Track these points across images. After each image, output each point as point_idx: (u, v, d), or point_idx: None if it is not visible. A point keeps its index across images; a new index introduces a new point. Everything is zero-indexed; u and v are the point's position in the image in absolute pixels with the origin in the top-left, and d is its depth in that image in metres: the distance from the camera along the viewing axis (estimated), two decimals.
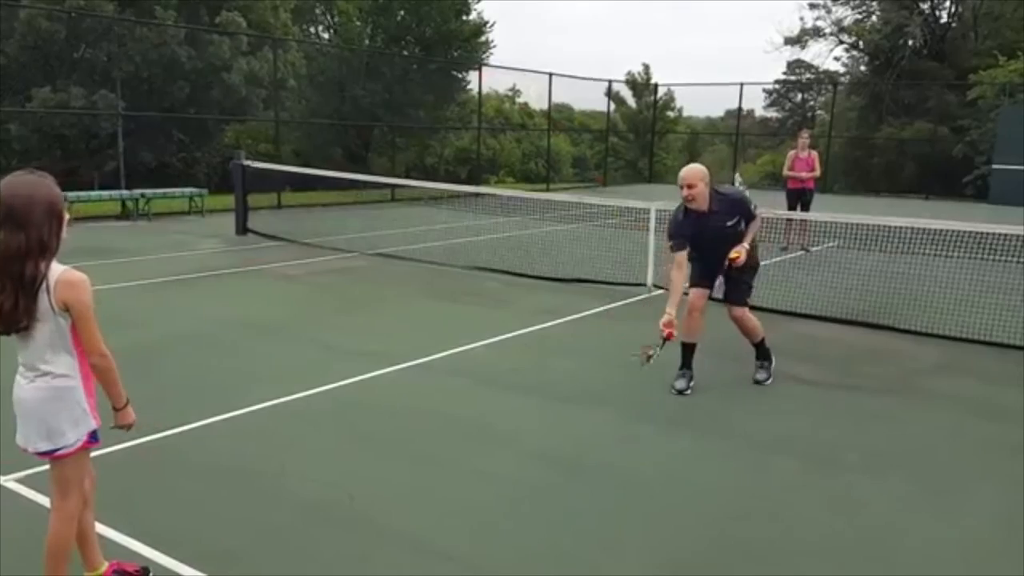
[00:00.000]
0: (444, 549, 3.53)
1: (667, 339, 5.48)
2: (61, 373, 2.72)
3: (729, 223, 5.72)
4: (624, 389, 5.85)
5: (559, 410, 5.40)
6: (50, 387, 2.72)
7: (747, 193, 6.25)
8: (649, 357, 5.39)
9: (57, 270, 2.66)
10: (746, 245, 5.74)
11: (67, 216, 2.72)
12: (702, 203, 5.69)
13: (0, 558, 3.38)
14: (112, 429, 2.91)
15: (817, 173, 13.05)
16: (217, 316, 7.85)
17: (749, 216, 5.82)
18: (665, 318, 5.50)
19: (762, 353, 6.14)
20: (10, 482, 4.02)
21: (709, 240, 5.73)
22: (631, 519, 3.87)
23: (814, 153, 13.15)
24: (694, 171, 5.73)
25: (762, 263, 6.37)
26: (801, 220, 12.51)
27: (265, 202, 17.10)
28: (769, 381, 6.02)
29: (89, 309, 2.71)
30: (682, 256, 5.74)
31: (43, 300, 2.63)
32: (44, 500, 3.81)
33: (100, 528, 3.56)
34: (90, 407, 2.81)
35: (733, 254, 5.68)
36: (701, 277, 5.91)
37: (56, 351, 2.71)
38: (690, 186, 5.64)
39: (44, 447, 2.75)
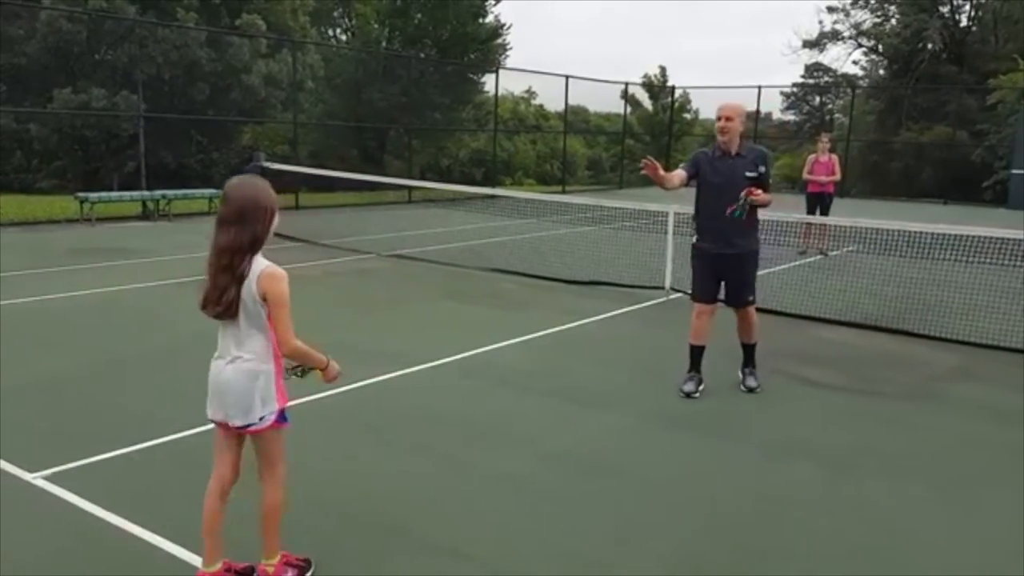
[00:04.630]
0: (461, 549, 3.57)
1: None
2: (255, 356, 2.98)
3: (749, 173, 5.53)
4: (642, 392, 5.87)
5: (577, 412, 5.42)
6: (247, 369, 2.98)
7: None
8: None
9: (262, 263, 2.94)
10: (764, 195, 5.52)
11: (277, 212, 3.02)
12: (733, 138, 5.56)
13: (12, 553, 3.44)
14: (327, 384, 3.25)
15: (837, 177, 12.99)
16: None
17: (766, 180, 5.62)
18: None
19: (751, 359, 6.02)
20: (38, 479, 4.09)
21: (724, 183, 5.56)
22: (647, 521, 3.89)
23: (834, 157, 13.09)
24: (734, 105, 5.64)
25: (779, 267, 6.35)
26: (820, 224, 12.48)
27: (282, 203, 16.93)
28: (759, 388, 5.92)
29: (285, 301, 2.96)
30: (683, 172, 5.68)
31: (247, 289, 2.91)
32: (72, 497, 3.90)
33: (127, 526, 3.64)
34: (278, 389, 3.04)
35: (755, 192, 5.45)
36: (705, 283, 5.78)
37: (253, 337, 2.98)
38: (727, 118, 5.53)
39: (240, 422, 3.01)
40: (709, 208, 5.70)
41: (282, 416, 3.08)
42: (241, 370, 2.98)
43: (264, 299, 2.93)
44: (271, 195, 2.99)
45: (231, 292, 2.89)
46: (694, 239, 5.86)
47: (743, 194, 5.48)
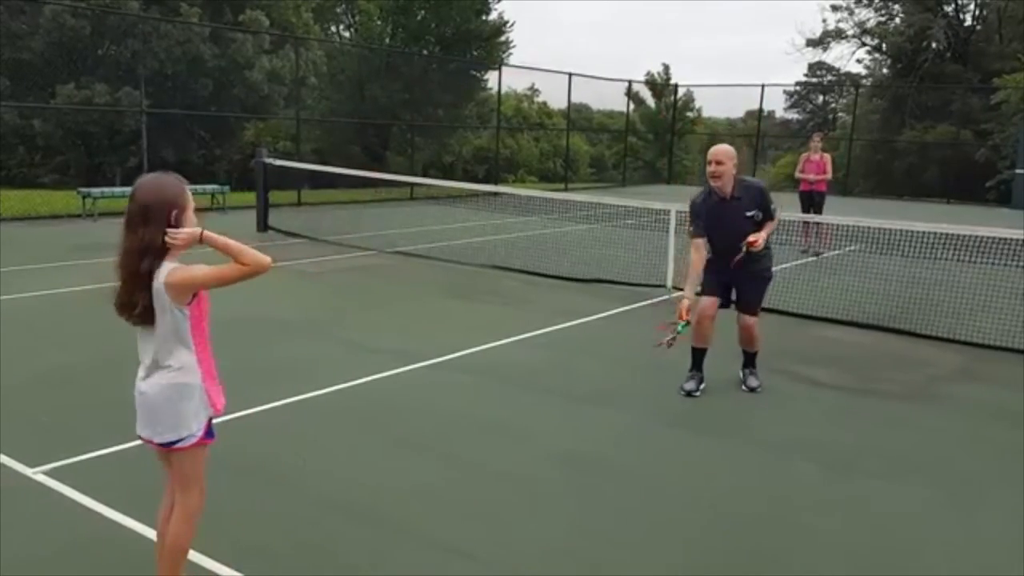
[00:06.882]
0: (464, 547, 3.57)
1: (686, 323, 5.41)
2: (179, 367, 2.79)
3: (748, 213, 5.54)
4: (643, 390, 5.86)
5: (578, 410, 5.42)
6: (170, 382, 2.79)
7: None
8: (671, 342, 5.32)
9: (166, 268, 2.72)
10: (764, 235, 5.57)
11: (191, 207, 2.78)
12: (726, 183, 5.53)
13: (11, 552, 3.44)
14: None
15: (827, 176, 13.05)
16: (239, 313, 7.90)
17: (768, 213, 5.63)
18: (684, 302, 5.44)
19: (751, 360, 6.00)
20: (39, 475, 4.09)
21: (726, 228, 5.55)
22: (649, 520, 3.89)
23: (826, 156, 13.19)
24: (724, 149, 5.61)
25: (781, 266, 6.32)
26: (816, 223, 12.48)
27: (285, 199, 17.18)
28: (761, 388, 5.91)
29: (199, 277, 2.73)
30: (700, 241, 5.63)
31: (161, 296, 2.71)
32: (73, 493, 3.90)
33: (131, 524, 3.64)
34: (209, 399, 2.85)
35: (752, 238, 5.48)
36: (713, 285, 5.75)
37: (174, 346, 2.78)
38: (718, 162, 5.50)
39: (168, 438, 2.81)
40: (715, 249, 5.69)
41: (209, 432, 2.86)
42: (165, 383, 2.78)
43: (180, 302, 2.73)
44: (178, 191, 2.74)
45: (142, 297, 2.69)
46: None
47: (743, 246, 5.49)
